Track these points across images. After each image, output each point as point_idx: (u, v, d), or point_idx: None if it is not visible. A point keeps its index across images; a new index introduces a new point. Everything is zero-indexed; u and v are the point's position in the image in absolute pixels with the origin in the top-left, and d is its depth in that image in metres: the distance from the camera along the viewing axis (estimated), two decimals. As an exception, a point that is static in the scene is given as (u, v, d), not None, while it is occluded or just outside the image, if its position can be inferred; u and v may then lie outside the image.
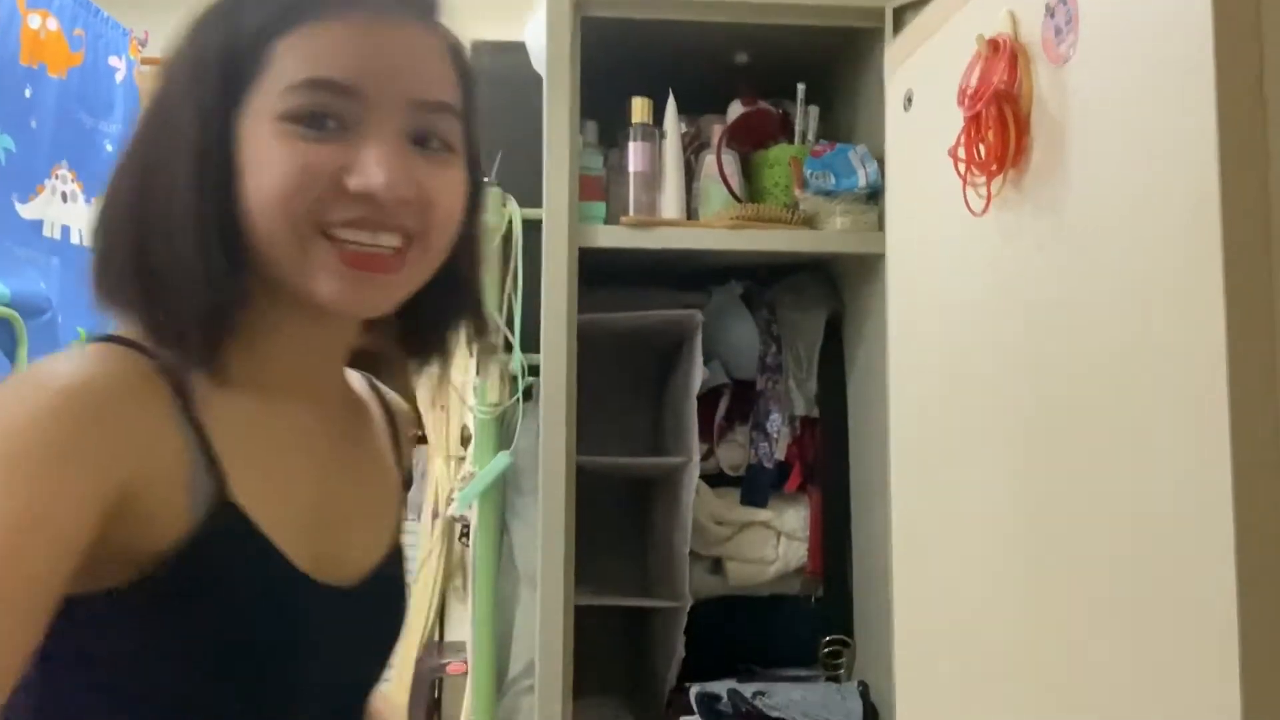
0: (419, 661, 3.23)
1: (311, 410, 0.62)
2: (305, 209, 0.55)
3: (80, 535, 0.46)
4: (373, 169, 0.55)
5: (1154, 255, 0.66)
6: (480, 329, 0.68)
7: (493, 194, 1.78)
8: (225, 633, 0.52)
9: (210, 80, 0.55)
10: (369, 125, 0.56)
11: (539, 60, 1.51)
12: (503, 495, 1.84)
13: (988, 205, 0.85)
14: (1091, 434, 0.73)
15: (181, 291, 0.54)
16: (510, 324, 1.79)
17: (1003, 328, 0.87)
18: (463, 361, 3.06)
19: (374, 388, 0.73)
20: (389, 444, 0.71)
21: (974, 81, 0.84)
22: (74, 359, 0.51)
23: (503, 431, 1.83)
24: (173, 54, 0.57)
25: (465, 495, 1.83)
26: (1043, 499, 0.80)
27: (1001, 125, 0.80)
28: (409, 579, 0.68)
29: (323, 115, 0.55)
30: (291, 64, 0.54)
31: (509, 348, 1.79)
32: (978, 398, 0.90)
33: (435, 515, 3.42)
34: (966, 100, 0.84)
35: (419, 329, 0.66)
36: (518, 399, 1.76)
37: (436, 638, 3.30)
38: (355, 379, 0.71)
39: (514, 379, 1.79)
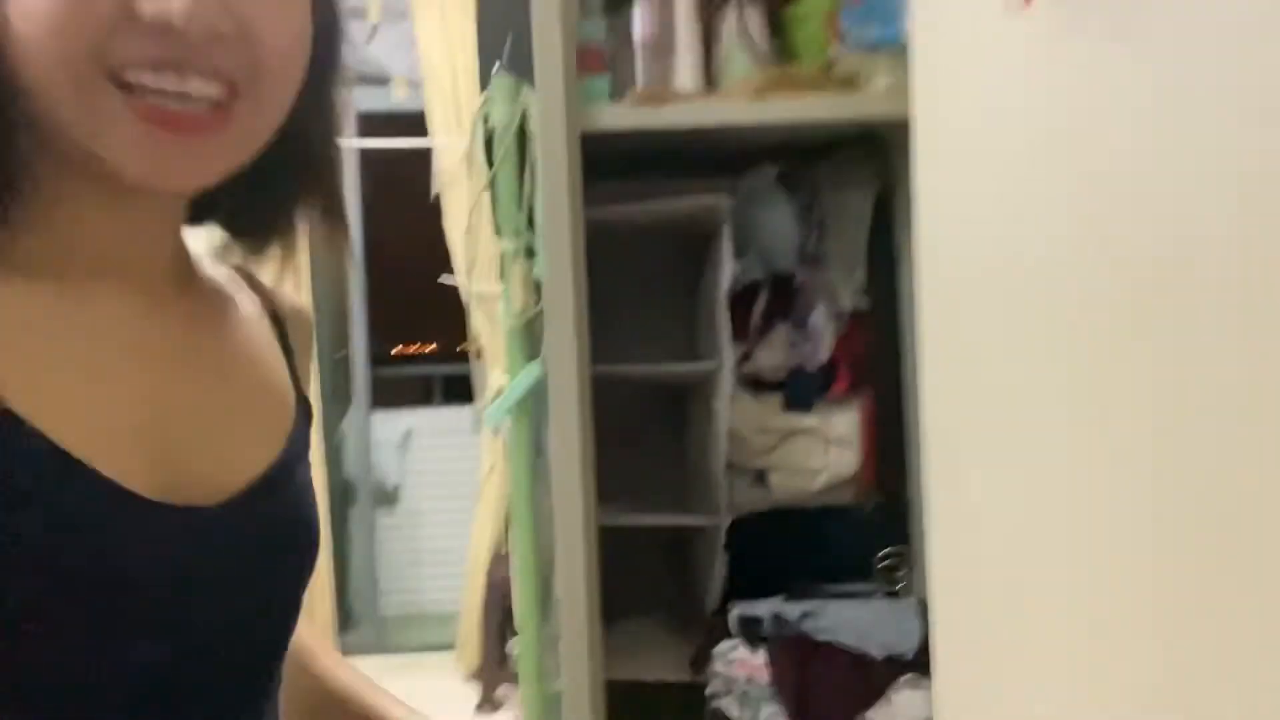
0: (489, 573, 3.26)
1: (133, 302, 0.50)
2: (85, 43, 0.42)
3: None
4: None
5: None
6: (331, 212, 0.56)
7: (505, 81, 1.63)
8: (18, 569, 0.42)
9: None
10: None
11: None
12: (536, 408, 1.74)
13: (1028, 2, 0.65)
14: (1181, 330, 0.55)
15: None
16: (531, 225, 1.65)
17: (1058, 189, 0.68)
18: (488, 269, 2.93)
19: (251, 283, 0.61)
20: (272, 348, 0.59)
21: None
22: None
23: (534, 341, 1.72)
24: None
25: (495, 410, 1.74)
26: (1107, 407, 0.63)
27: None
28: (306, 501, 0.55)
29: None
30: None
31: (531, 253, 1.66)
32: (1025, 282, 0.72)
33: (496, 429, 3.40)
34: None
35: (251, 206, 0.54)
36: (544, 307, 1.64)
37: (504, 550, 3.32)
38: (217, 270, 0.58)
39: (539, 285, 1.66)
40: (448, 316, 3.27)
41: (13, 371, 0.44)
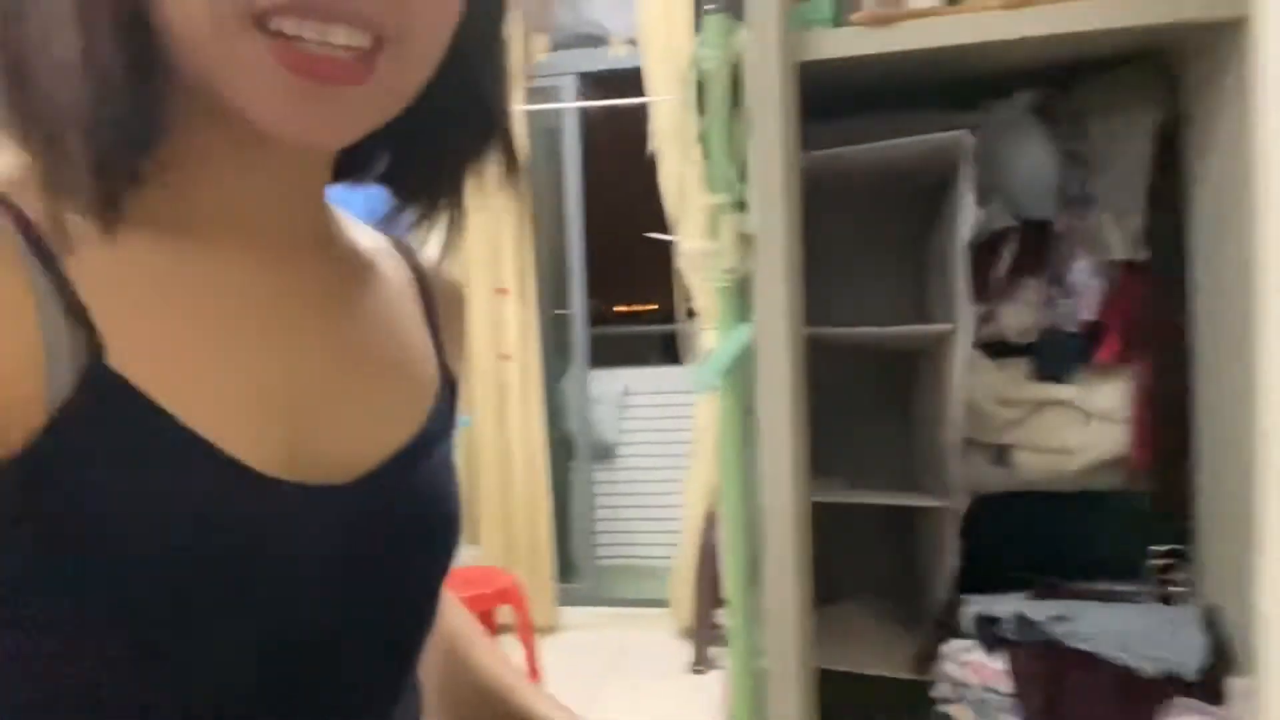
0: (703, 533, 3.21)
1: (264, 266, 0.46)
2: None
3: None
4: None
5: None
6: (511, 165, 0.50)
7: (717, 21, 1.50)
8: (139, 551, 0.38)
9: None
10: None
11: None
12: (747, 371, 1.63)
13: None
14: None
15: (67, 110, 0.39)
16: (744, 177, 1.53)
17: None
18: (701, 225, 2.83)
19: (403, 251, 0.55)
20: (418, 319, 0.54)
21: None
22: None
23: (745, 301, 1.61)
24: None
25: (704, 373, 1.65)
26: None
27: None
28: (443, 481, 0.51)
29: None
30: None
31: (744, 205, 1.54)
32: None
33: (710, 390, 3.32)
34: None
35: (415, 164, 0.49)
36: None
37: (719, 509, 3.25)
38: (368, 234, 0.53)
39: (751, 240, 1.55)
40: (668, 275, 3.23)
41: (132, 337, 0.40)
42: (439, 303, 0.56)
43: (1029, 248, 1.26)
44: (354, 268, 0.51)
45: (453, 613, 0.63)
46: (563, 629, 3.59)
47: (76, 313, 0.39)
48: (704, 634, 3.21)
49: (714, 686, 3.06)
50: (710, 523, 3.22)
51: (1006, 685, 1.17)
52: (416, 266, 0.56)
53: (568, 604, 3.68)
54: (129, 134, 0.40)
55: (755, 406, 1.66)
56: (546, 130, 3.75)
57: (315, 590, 0.44)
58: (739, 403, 1.63)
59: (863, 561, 1.51)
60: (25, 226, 0.39)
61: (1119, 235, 1.21)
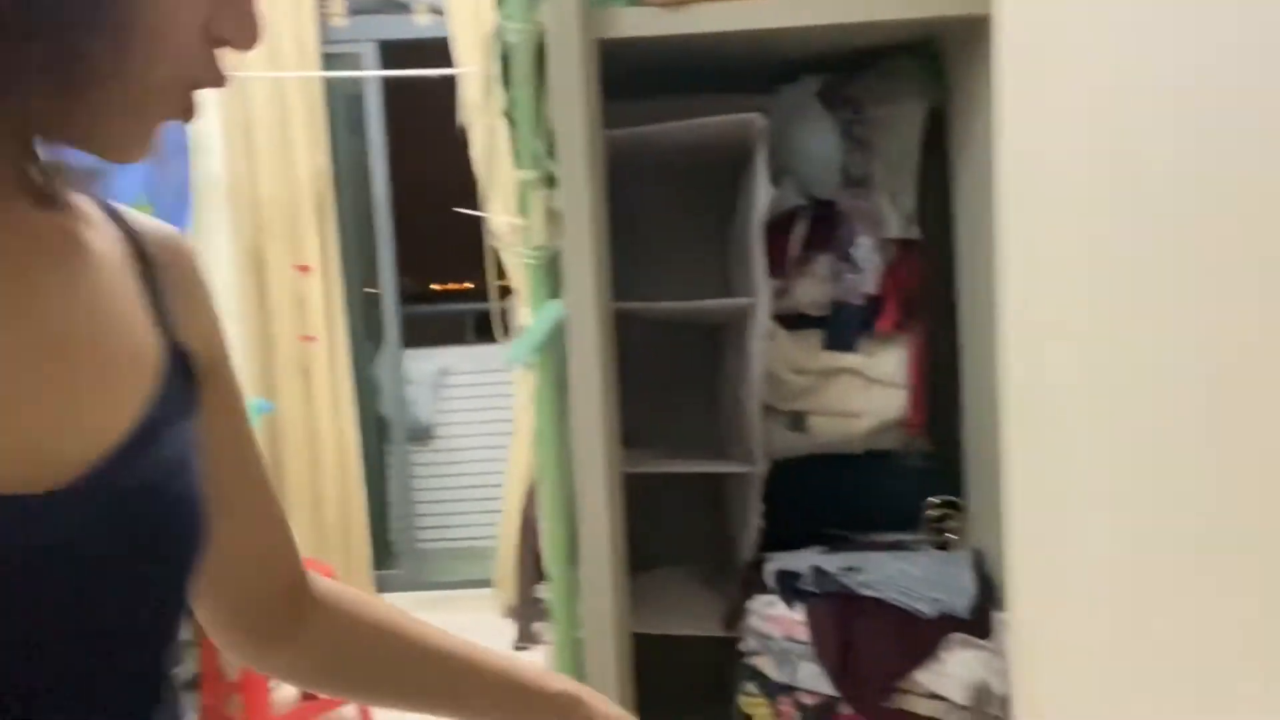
0: (524, 510, 3.22)
1: None
2: None
3: None
4: None
5: None
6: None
7: (520, -5, 1.49)
8: None
9: None
10: None
11: None
12: (563, 348, 1.64)
13: None
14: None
15: None
16: (553, 152, 1.53)
17: (1177, 97, 0.55)
18: (511, 201, 2.81)
19: (118, 218, 0.50)
20: (133, 291, 0.48)
21: None
22: None
23: (557, 277, 1.62)
24: None
25: (518, 349, 1.65)
26: (1237, 352, 0.51)
27: None
28: (175, 473, 0.46)
29: None
30: None
31: (553, 181, 1.54)
32: (1136, 206, 0.60)
33: (526, 367, 3.32)
34: None
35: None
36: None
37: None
38: (80, 202, 0.48)
39: (560, 216, 1.55)
40: (482, 252, 3.17)
41: None
42: (160, 268, 0.50)
43: (819, 226, 1.34)
44: (42, 240, 0.45)
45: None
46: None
47: None
48: (527, 611, 3.22)
49: (537, 660, 3.08)
50: (531, 500, 3.23)
51: (805, 635, 1.25)
52: (128, 230, 0.50)
53: (387, 590, 3.59)
54: None
55: (569, 382, 1.68)
56: (347, 99, 3.59)
57: (26, 609, 0.39)
58: (554, 379, 1.64)
59: (676, 528, 1.56)
60: None
61: (895, 215, 1.31)
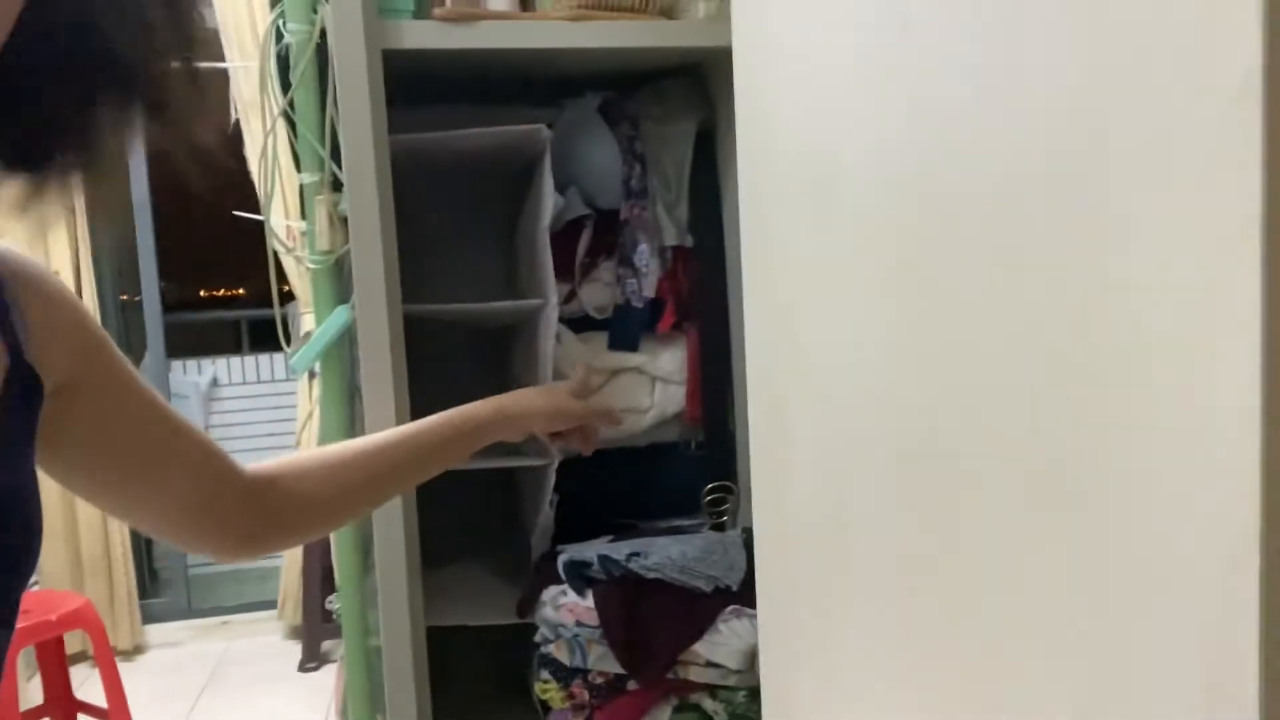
0: (310, 527, 3.11)
1: None
2: None
3: None
4: None
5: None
6: (126, 103, 0.47)
7: (300, -5, 1.47)
8: None
9: None
10: None
11: None
12: (350, 353, 1.63)
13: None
14: (1002, 266, 0.55)
15: None
16: (337, 156, 1.52)
17: (870, 104, 0.67)
18: (286, 204, 2.73)
19: None
20: None
21: None
22: None
23: (343, 282, 1.60)
24: None
25: (302, 356, 1.61)
26: (924, 342, 0.62)
27: None
28: (23, 487, 0.46)
29: None
30: None
31: (339, 185, 1.53)
32: (844, 217, 0.71)
33: (312, 375, 3.21)
34: None
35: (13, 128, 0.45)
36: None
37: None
38: None
39: (346, 221, 1.54)
40: (257, 257, 3.03)
41: None
42: (8, 289, 0.51)
43: (602, 234, 1.42)
44: None
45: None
46: (151, 648, 3.25)
47: None
48: (313, 629, 3.11)
49: (325, 680, 2.99)
50: (317, 513, 3.12)
51: (595, 620, 1.33)
52: None
53: (155, 620, 3.33)
54: None
55: (358, 388, 1.67)
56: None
57: None
58: (341, 385, 1.63)
59: (469, 524, 1.60)
60: None
61: (671, 224, 1.42)
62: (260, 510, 0.65)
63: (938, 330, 0.60)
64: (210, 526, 0.63)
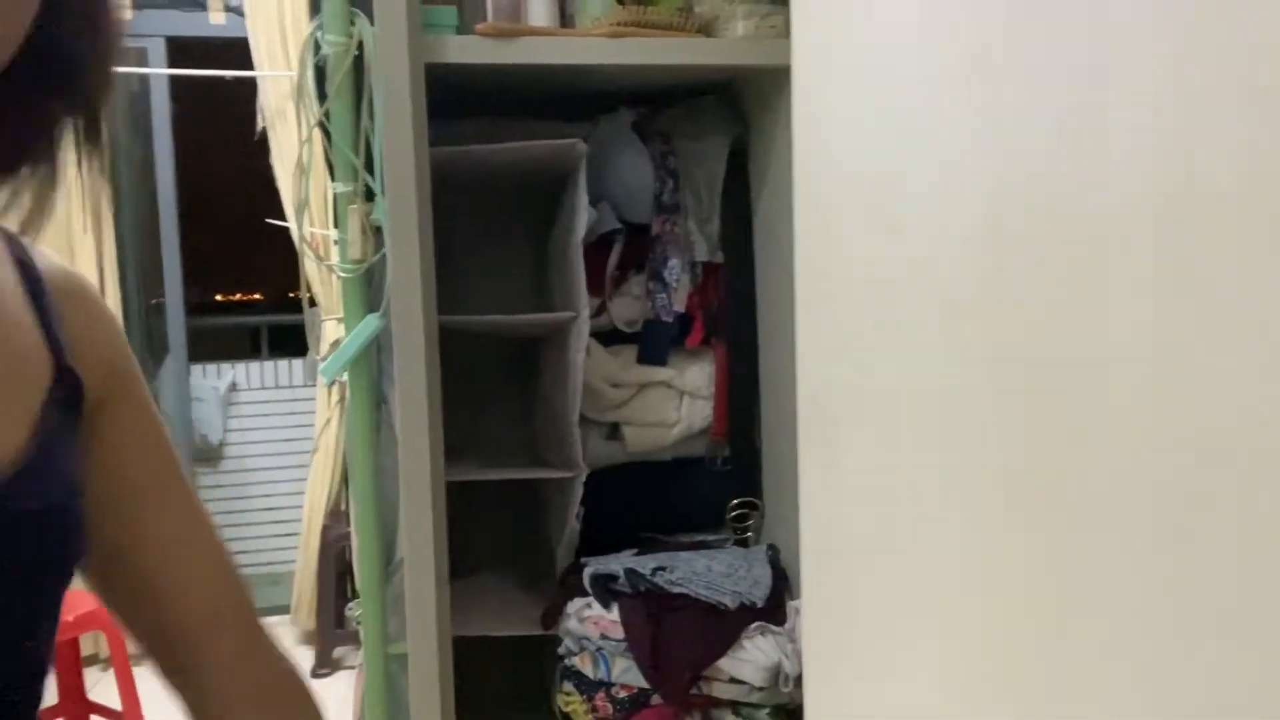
0: (324, 530, 3.12)
1: None
2: None
3: None
4: None
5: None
6: (90, 127, 0.47)
7: (337, 8, 1.49)
8: None
9: None
10: None
11: None
12: (377, 361, 1.64)
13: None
14: (1080, 295, 0.55)
15: None
16: (370, 166, 1.53)
17: (945, 133, 0.67)
18: (322, 213, 2.76)
19: (16, 252, 0.51)
20: (27, 317, 0.49)
21: None
22: None
23: (372, 291, 1.61)
24: None
25: (331, 364, 1.63)
26: (993, 357, 0.63)
27: None
28: (67, 496, 0.47)
29: None
30: None
31: (371, 195, 1.55)
32: (911, 234, 0.72)
33: (332, 381, 3.22)
34: None
35: None
36: (385, 254, 1.54)
37: (342, 506, 3.18)
38: None
39: (378, 231, 1.56)
40: (276, 262, 3.06)
41: None
42: (53, 297, 0.51)
43: (633, 248, 1.43)
44: None
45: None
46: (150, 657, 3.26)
47: None
48: (328, 635, 3.11)
49: (339, 686, 2.99)
50: (333, 520, 3.13)
51: (620, 633, 1.33)
52: (22, 259, 0.51)
53: (168, 623, 3.34)
54: None
55: (385, 395, 1.68)
56: (130, 96, 3.35)
57: None
58: (369, 393, 1.64)
59: (493, 534, 1.60)
60: None
61: (702, 239, 1.43)
62: (221, 667, 0.57)
63: (1015, 356, 0.61)
64: (166, 631, 0.56)
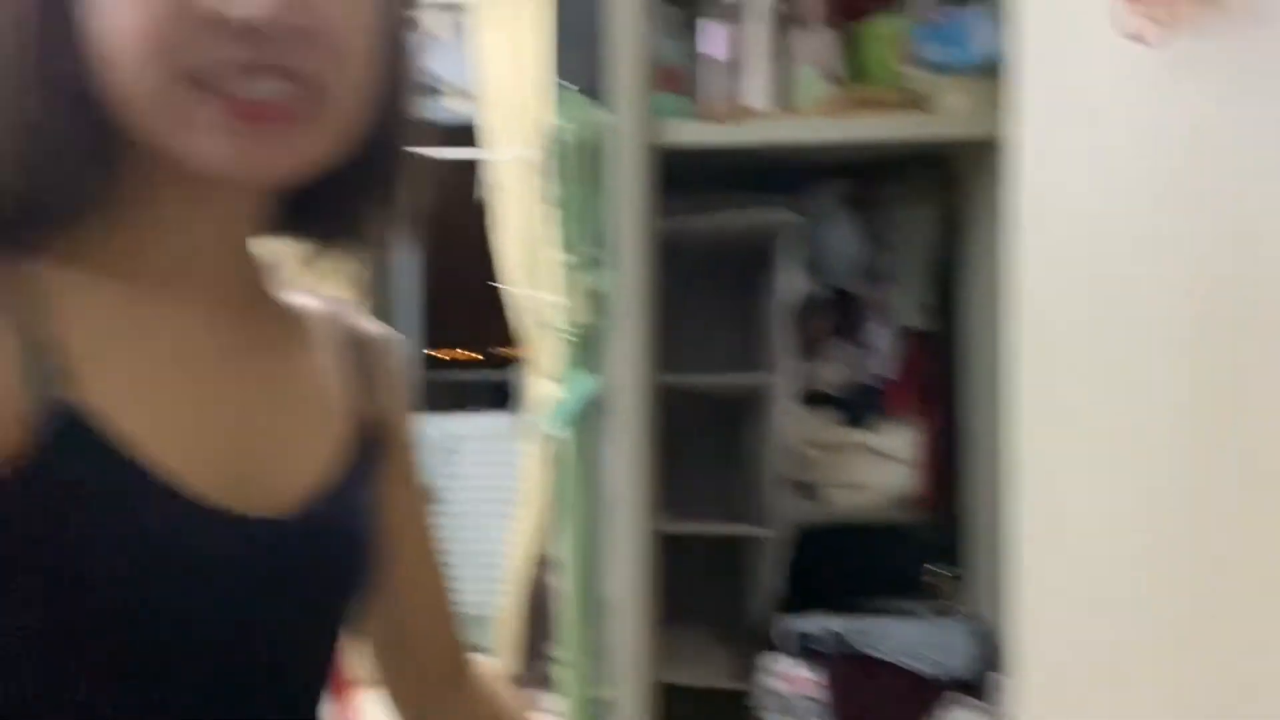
0: (527, 576, 3.28)
1: (208, 313, 0.51)
2: (177, 49, 0.44)
3: None
4: None
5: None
6: (389, 219, 0.56)
7: (573, 98, 1.66)
8: (67, 557, 0.43)
9: None
10: None
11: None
12: (593, 418, 1.76)
13: (1150, 36, 0.66)
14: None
15: (21, 161, 0.45)
16: (597, 239, 1.68)
17: (1168, 216, 0.69)
18: (549, 280, 2.97)
19: (338, 309, 0.61)
20: (345, 370, 0.59)
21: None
22: None
23: (593, 352, 1.75)
24: None
25: (554, 417, 1.77)
26: (1214, 434, 0.63)
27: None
28: (359, 524, 0.56)
29: None
30: None
31: (595, 263, 1.69)
32: (1129, 307, 0.73)
33: (548, 436, 3.42)
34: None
35: (318, 204, 0.53)
36: (604, 318, 1.67)
37: (545, 554, 3.33)
38: (304, 298, 0.59)
39: (599, 296, 1.69)
40: (486, 323, 3.30)
41: (97, 374, 0.45)
42: (367, 356, 0.60)
43: (839, 313, 1.48)
44: (280, 318, 0.56)
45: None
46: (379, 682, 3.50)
47: (51, 351, 0.44)
48: (529, 678, 3.25)
49: (536, 728, 3.10)
50: (541, 565, 3.29)
51: (816, 692, 1.35)
52: (348, 324, 0.60)
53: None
54: (75, 187, 0.45)
55: (597, 448, 1.80)
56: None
57: (238, 614, 0.48)
58: (582, 445, 1.76)
59: (692, 586, 1.66)
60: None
61: (909, 306, 1.46)
62: (440, 699, 0.65)
63: (1227, 419, 0.61)
64: (395, 662, 0.64)
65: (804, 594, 1.49)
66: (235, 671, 0.50)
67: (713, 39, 1.32)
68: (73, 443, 0.44)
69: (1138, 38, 0.67)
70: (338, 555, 0.54)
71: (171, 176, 0.48)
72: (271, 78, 0.45)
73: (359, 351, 0.61)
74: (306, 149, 0.47)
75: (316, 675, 0.55)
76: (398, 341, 0.66)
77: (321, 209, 0.54)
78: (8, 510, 0.42)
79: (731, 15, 1.32)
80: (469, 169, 3.33)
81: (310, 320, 0.59)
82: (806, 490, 1.53)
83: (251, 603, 0.49)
